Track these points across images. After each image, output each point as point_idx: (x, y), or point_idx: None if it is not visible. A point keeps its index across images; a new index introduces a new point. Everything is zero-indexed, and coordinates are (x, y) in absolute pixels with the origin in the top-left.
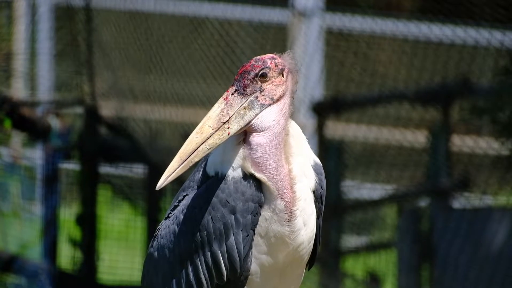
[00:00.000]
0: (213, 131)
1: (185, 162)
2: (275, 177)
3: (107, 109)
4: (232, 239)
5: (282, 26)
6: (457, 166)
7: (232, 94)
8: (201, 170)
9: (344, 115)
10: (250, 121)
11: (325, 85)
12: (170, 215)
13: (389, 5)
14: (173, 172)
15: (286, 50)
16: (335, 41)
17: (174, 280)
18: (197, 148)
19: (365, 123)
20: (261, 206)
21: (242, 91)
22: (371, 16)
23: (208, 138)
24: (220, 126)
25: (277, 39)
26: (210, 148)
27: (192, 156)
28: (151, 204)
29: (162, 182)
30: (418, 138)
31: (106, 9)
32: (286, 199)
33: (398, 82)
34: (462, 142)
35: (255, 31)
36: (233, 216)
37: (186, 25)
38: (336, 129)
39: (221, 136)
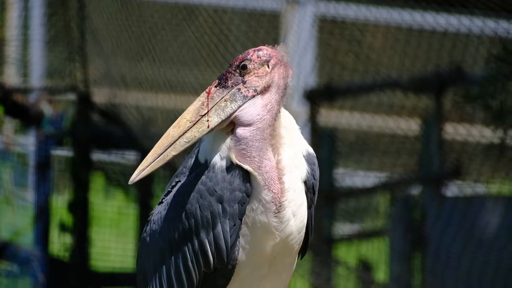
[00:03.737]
0: (191, 124)
1: (161, 156)
2: (260, 169)
3: (99, 96)
4: (219, 228)
5: (275, 13)
6: (450, 154)
7: (215, 87)
8: (194, 156)
9: (337, 102)
10: (232, 113)
11: (319, 72)
12: (163, 200)
13: None
14: (147, 167)
15: (279, 38)
16: (328, 28)
17: (164, 266)
18: (174, 142)
19: (359, 111)
20: (248, 196)
21: (224, 84)
22: (365, 4)
23: (186, 131)
24: (198, 120)
25: (271, 27)
26: (188, 142)
27: (169, 149)
28: (144, 191)
29: (134, 176)
30: (411, 126)
31: None
32: (274, 191)
33: (392, 70)
34: (454, 130)
35: (249, 18)
36: (220, 205)
37: (178, 12)
38: (329, 116)
39: (199, 129)
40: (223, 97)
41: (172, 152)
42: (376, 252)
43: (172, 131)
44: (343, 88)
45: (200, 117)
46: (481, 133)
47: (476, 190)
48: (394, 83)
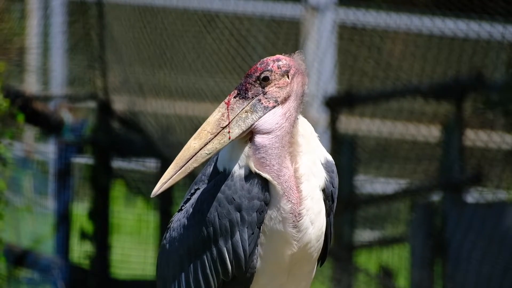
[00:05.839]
0: (212, 136)
1: (182, 168)
2: (279, 177)
3: (119, 104)
4: (237, 236)
5: (294, 21)
6: (471, 161)
7: (234, 97)
8: (213, 164)
9: (357, 109)
10: (253, 124)
11: (338, 79)
12: (182, 207)
13: None
14: (169, 179)
15: (299, 45)
16: (348, 35)
17: (183, 274)
18: (195, 154)
19: (379, 118)
20: (267, 204)
21: (244, 95)
22: (385, 10)
23: (207, 143)
24: (220, 131)
25: (290, 34)
26: (209, 153)
27: (190, 162)
28: (164, 199)
29: (157, 189)
30: (432, 132)
31: (118, 4)
32: (292, 200)
33: (412, 76)
34: (475, 137)
35: (267, 26)
36: (238, 213)
37: (197, 20)
38: (350, 123)
39: (221, 141)
40: (243, 108)
41: (193, 164)
42: (397, 258)
43: (193, 143)
44: (363, 95)
45: (221, 128)
46: (502, 139)
47: (497, 196)
48: (414, 90)
